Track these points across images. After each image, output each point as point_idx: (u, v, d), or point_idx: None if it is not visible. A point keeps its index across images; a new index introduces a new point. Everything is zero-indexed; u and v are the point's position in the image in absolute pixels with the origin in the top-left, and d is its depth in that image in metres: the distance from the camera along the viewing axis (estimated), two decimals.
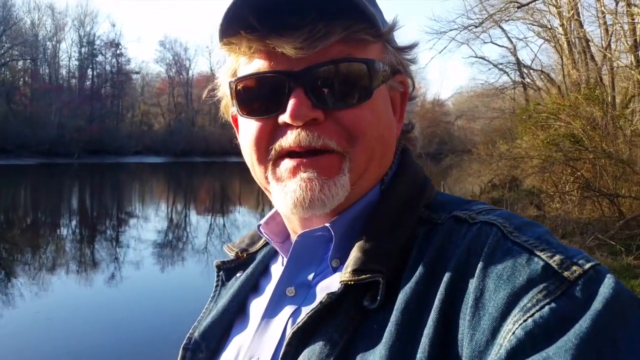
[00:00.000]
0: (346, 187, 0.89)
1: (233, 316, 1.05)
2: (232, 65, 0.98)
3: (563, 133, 14.21)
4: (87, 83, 68.68)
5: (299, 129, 0.88)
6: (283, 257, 1.04)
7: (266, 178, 0.95)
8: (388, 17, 1.00)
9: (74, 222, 18.70)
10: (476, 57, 28.42)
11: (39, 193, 27.24)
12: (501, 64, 28.28)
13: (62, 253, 13.13)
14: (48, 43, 66.73)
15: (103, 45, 69.48)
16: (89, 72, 69.07)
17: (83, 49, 68.44)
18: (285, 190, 0.90)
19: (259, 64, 0.90)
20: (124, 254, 12.85)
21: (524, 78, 27.50)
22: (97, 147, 54.02)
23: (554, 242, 0.74)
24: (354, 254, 0.85)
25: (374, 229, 0.88)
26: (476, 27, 19.37)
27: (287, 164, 0.90)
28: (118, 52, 69.29)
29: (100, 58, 69.77)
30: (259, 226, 1.10)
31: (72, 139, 52.36)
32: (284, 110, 0.88)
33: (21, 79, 65.25)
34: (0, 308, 8.41)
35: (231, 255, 1.17)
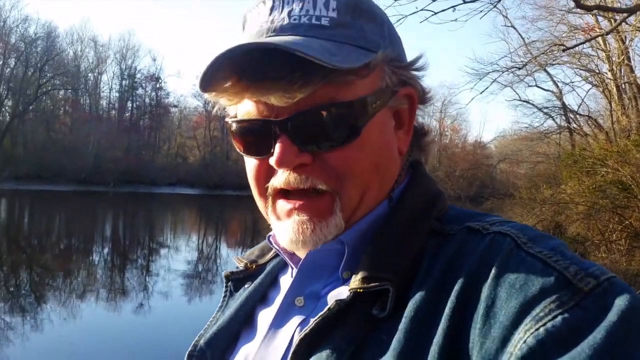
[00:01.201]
0: (339, 225, 0.92)
1: (240, 326, 1.07)
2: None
3: (610, 180, 13.90)
4: (126, 115, 70.69)
5: (288, 172, 0.91)
6: (292, 269, 1.05)
7: (267, 213, 0.99)
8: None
9: (105, 250, 19.03)
10: (520, 100, 28.29)
11: (73, 219, 27.93)
12: (546, 107, 28.03)
13: (92, 279, 13.35)
14: (90, 74, 69.20)
15: (143, 78, 71.58)
16: (129, 104, 71.12)
17: (124, 82, 70.59)
18: (282, 229, 0.94)
19: (249, 107, 0.93)
20: (153, 283, 12.99)
21: (570, 123, 27.11)
22: (132, 178, 55.22)
23: (569, 253, 0.74)
24: (364, 263, 0.86)
25: (385, 239, 0.89)
26: (519, 69, 19.28)
27: (283, 205, 0.94)
28: (158, 85, 71.24)
29: (140, 91, 71.77)
30: (269, 237, 1.10)
31: (108, 168, 53.65)
32: (272, 154, 0.90)
33: (62, 108, 67.60)
34: (27, 330, 8.56)
35: (240, 266, 1.19)
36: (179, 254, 18.32)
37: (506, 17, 19.95)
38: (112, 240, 21.39)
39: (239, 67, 0.87)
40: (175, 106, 73.95)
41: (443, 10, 9.89)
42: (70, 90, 66.19)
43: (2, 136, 55.30)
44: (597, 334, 0.60)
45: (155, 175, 57.84)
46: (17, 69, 59.97)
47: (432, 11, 9.76)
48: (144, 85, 71.55)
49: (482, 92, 16.53)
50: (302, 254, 0.99)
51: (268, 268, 1.15)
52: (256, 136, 0.93)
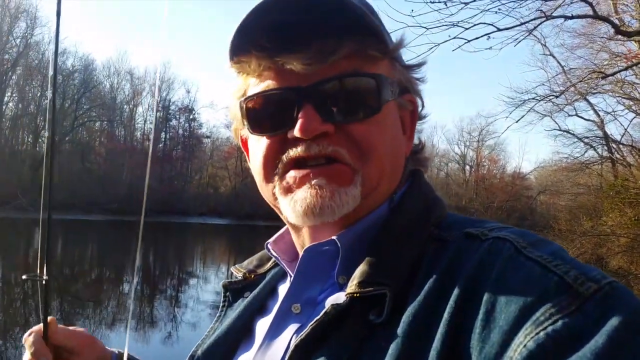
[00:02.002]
0: (357, 198, 0.90)
1: (238, 336, 1.06)
2: (241, 86, 1.01)
3: None
4: (160, 145, 72.38)
5: (308, 141, 0.89)
6: (290, 277, 1.05)
7: (273, 195, 0.97)
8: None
9: (136, 279, 19.18)
10: (560, 130, 27.82)
11: (105, 248, 28.31)
12: (587, 137, 27.47)
13: (122, 309, 13.45)
14: (125, 106, 70.86)
15: (177, 110, 73.10)
16: (162, 135, 72.87)
17: (158, 113, 72.43)
18: (295, 199, 0.91)
19: (268, 82, 0.93)
20: (181, 314, 13.05)
21: (612, 153, 26.49)
22: (164, 207, 56.02)
23: (569, 258, 0.74)
24: (361, 267, 0.86)
25: (382, 244, 0.89)
26: (557, 97, 18.97)
27: (296, 174, 0.92)
28: (191, 117, 72.53)
29: (173, 122, 73.21)
30: (267, 245, 1.11)
31: (141, 198, 54.52)
32: (293, 126, 0.89)
33: (97, 139, 69.39)
34: None
35: (239, 275, 1.19)
36: (207, 284, 18.37)
37: (544, 45, 19.70)
38: (143, 270, 21.61)
39: (268, 32, 0.89)
40: (208, 137, 75.21)
41: (477, 38, 9.85)
42: (105, 122, 68.09)
43: (38, 166, 57.03)
44: (599, 339, 0.60)
45: (186, 204, 58.65)
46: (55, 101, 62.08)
47: (465, 39, 9.73)
48: (177, 116, 73.20)
49: (518, 120, 16.22)
50: (306, 240, 0.99)
51: (267, 278, 1.15)
52: (277, 107, 0.93)
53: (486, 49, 10.29)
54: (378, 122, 0.92)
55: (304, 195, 0.89)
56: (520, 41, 10.53)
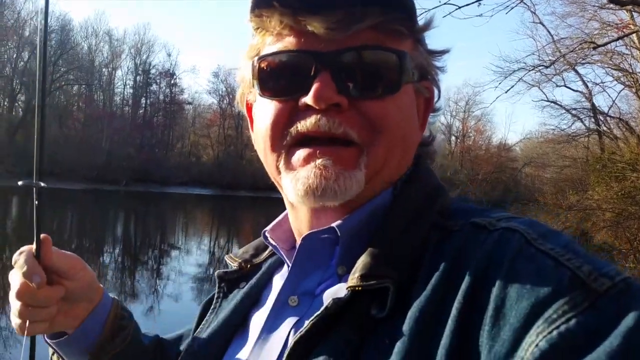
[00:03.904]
0: (361, 182, 0.88)
1: (233, 329, 1.04)
2: (256, 45, 0.98)
3: None
4: (140, 111, 71.28)
5: (320, 114, 0.87)
6: (288, 267, 1.03)
7: (277, 168, 0.94)
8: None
9: (116, 251, 19.22)
10: (547, 100, 27.81)
11: (84, 219, 28.22)
12: (575, 109, 27.53)
13: (102, 281, 13.46)
14: (104, 69, 69.56)
15: (158, 74, 71.88)
16: (143, 100, 71.74)
17: (138, 77, 70.92)
18: (298, 177, 0.89)
19: (286, 43, 0.91)
20: (163, 286, 13.10)
21: (599, 125, 26.63)
22: (144, 176, 55.62)
23: (581, 251, 0.72)
24: (363, 258, 0.84)
25: (384, 233, 0.87)
26: (546, 67, 18.86)
27: (302, 152, 0.90)
28: (172, 81, 71.49)
29: (154, 87, 72.05)
30: (264, 233, 1.09)
31: (120, 166, 54.15)
32: (306, 92, 0.87)
33: (75, 104, 68.14)
34: None
35: (234, 265, 1.16)
36: (189, 256, 18.45)
37: (534, 12, 19.55)
38: (123, 242, 21.61)
39: None
40: (190, 103, 74.35)
41: (468, 5, 9.78)
42: (84, 86, 66.82)
43: (15, 131, 56.17)
44: (614, 340, 0.59)
45: (167, 173, 58.24)
46: (30, 63, 60.76)
47: (456, 5, 9.67)
48: (158, 81, 72.00)
49: (507, 91, 16.24)
50: (305, 226, 0.97)
51: (263, 268, 1.13)
52: (292, 70, 0.90)
53: (477, 15, 10.34)
54: (395, 102, 0.90)
55: (307, 174, 0.87)
56: (512, 8, 10.53)
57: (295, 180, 0.89)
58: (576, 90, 27.34)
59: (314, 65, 0.88)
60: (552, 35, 20.07)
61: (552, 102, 27.81)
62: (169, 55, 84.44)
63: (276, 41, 0.92)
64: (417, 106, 0.99)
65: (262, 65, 0.93)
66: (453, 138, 75.47)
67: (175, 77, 72.25)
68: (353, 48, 0.87)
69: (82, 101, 67.77)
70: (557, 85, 26.05)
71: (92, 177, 50.24)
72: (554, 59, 18.68)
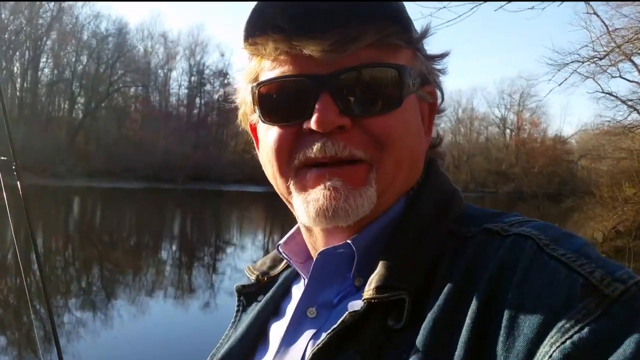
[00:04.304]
0: (372, 199, 0.89)
1: (253, 342, 1.04)
2: (254, 69, 0.97)
3: None
4: (195, 111, 72.97)
5: (324, 138, 0.87)
6: (304, 279, 1.03)
7: (288, 188, 0.95)
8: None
9: (173, 247, 19.75)
10: (603, 92, 26.85)
11: (143, 217, 29.24)
12: (631, 100, 26.41)
13: (161, 277, 13.89)
14: (159, 71, 71.88)
15: (212, 74, 73.57)
16: (197, 100, 73.37)
17: (193, 78, 72.79)
18: (308, 200, 0.89)
19: (283, 68, 0.91)
20: (219, 282, 13.40)
21: None
22: (200, 174, 56.84)
23: (594, 255, 0.72)
24: (378, 270, 0.84)
25: (399, 244, 0.87)
26: (601, 59, 18.24)
27: (311, 173, 0.90)
28: (226, 81, 72.51)
29: (208, 87, 73.77)
30: (278, 246, 1.09)
31: (177, 165, 55.49)
32: (309, 117, 0.87)
33: (132, 105, 70.45)
34: (98, 325, 9.07)
35: (252, 278, 1.17)
36: (244, 252, 18.78)
37: (588, 2, 18.90)
38: (180, 239, 22.17)
39: (287, 14, 0.86)
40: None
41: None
42: (140, 87, 68.99)
43: (75, 133, 58.47)
44: (627, 347, 0.58)
45: (222, 171, 59.47)
46: (89, 66, 63.08)
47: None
48: (212, 81, 73.55)
49: (561, 84, 15.86)
50: (319, 243, 0.98)
51: (280, 280, 1.13)
52: (292, 95, 0.90)
53: (528, 8, 10.19)
54: (398, 116, 0.90)
55: (318, 196, 0.88)
56: (564, 0, 10.31)
57: (305, 203, 0.90)
58: (632, 81, 26.17)
59: (314, 88, 0.87)
60: (606, 26, 19.13)
61: (607, 93, 26.64)
62: (222, 55, 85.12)
63: (274, 66, 0.92)
64: (422, 112, 1.00)
65: (262, 91, 0.93)
66: (508, 131, 74.33)
67: (228, 76, 73.20)
68: (352, 68, 0.87)
69: (139, 102, 70.08)
70: (612, 77, 24.96)
71: (150, 176, 51.79)
72: (608, 49, 18.08)
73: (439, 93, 1.05)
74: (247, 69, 0.99)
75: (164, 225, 25.81)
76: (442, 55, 1.03)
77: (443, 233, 0.87)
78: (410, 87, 0.92)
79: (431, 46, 1.02)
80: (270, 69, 0.92)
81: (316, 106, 0.86)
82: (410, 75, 0.92)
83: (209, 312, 10.45)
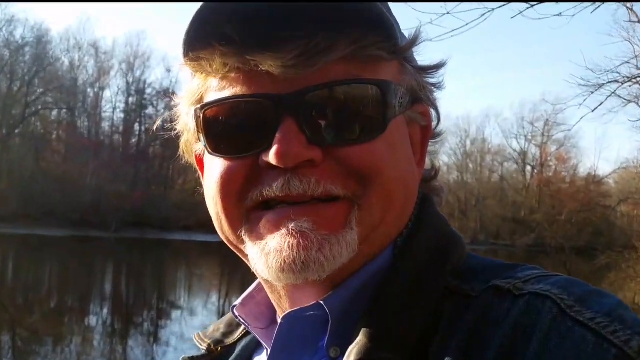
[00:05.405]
0: (353, 245, 0.86)
1: None
2: (197, 89, 0.96)
3: None
4: (133, 140, 71.65)
5: (287, 174, 0.84)
6: (267, 348, 1.01)
7: (238, 236, 0.93)
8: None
9: (104, 311, 19.57)
10: None
11: (67, 272, 28.76)
12: None
13: (89, 348, 13.78)
14: (89, 90, 70.51)
15: (155, 94, 72.16)
16: (136, 126, 72.02)
17: (130, 99, 71.65)
18: (267, 249, 0.86)
19: (235, 88, 0.88)
20: (162, 355, 13.41)
21: None
22: (139, 219, 55.67)
23: (629, 318, 0.71)
24: (359, 339, 0.82)
25: (385, 305, 0.85)
26: None
27: (270, 216, 0.87)
28: (173, 103, 71.51)
29: (150, 110, 72.25)
30: (233, 308, 1.06)
31: (110, 207, 54.57)
32: (267, 148, 0.84)
33: (54, 132, 69.09)
34: None
35: (202, 348, 1.14)
36: (194, 318, 18.71)
37: (631, 9, 18.47)
38: (113, 300, 21.96)
39: (238, 21, 0.84)
40: None
41: (542, 1, 9.19)
42: (64, 110, 67.60)
43: None
44: None
45: (167, 215, 58.33)
46: (0, 83, 61.91)
47: (528, 3, 9.10)
48: (155, 103, 72.37)
49: (595, 109, 15.52)
50: (285, 301, 0.97)
51: (237, 350, 1.12)
52: (246, 122, 0.88)
53: (554, 15, 9.79)
54: (382, 144, 0.88)
55: (280, 245, 0.84)
56: (599, 5, 9.73)
57: (264, 255, 0.86)
58: None
59: (274, 112, 0.85)
60: None
61: None
62: (169, 70, 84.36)
63: (223, 86, 0.90)
64: (412, 138, 0.99)
65: (208, 114, 0.91)
66: (529, 168, 73.29)
67: (176, 97, 71.96)
68: (322, 85, 0.85)
69: (62, 129, 68.70)
70: None
71: (76, 221, 50.77)
72: None
73: (433, 113, 1.04)
74: (190, 89, 0.98)
75: (93, 283, 25.51)
76: (437, 67, 1.02)
77: (440, 289, 0.86)
78: (396, 108, 0.90)
79: (430, 56, 1.03)
80: (219, 89, 0.91)
81: (277, 135, 0.83)
82: (396, 93, 0.90)
83: None
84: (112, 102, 71.97)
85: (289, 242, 0.83)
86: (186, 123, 1.03)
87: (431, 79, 1.02)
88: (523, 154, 72.88)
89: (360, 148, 0.86)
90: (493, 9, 9.23)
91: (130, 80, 71.78)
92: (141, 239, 48.59)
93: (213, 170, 0.93)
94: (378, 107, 0.87)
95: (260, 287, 1.06)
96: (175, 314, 19.81)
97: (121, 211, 55.47)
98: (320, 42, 0.82)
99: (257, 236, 0.88)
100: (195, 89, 0.96)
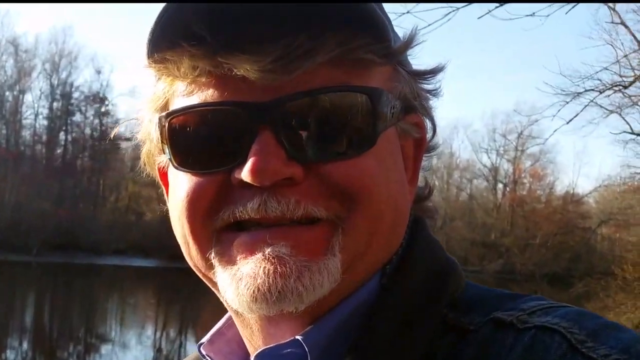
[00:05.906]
0: (335, 274, 0.85)
1: None
2: (162, 93, 0.95)
3: None
4: (59, 151, 70.51)
5: (264, 194, 0.83)
6: None
7: (206, 261, 0.92)
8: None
9: (24, 345, 19.20)
10: (632, 132, 27.43)
11: None
12: None
13: None
14: (7, 93, 69.02)
15: (83, 99, 71.15)
16: (62, 135, 70.90)
17: (55, 104, 70.54)
18: (239, 275, 0.85)
19: (205, 93, 0.87)
20: None
21: None
22: (64, 241, 54.91)
23: None
24: None
25: (371, 343, 0.85)
26: (625, 87, 17.35)
27: (243, 237, 0.87)
28: (103, 109, 70.49)
29: (78, 117, 71.54)
30: (200, 346, 1.05)
31: (31, 227, 53.65)
32: (241, 163, 0.84)
33: None
34: None
35: None
36: (126, 353, 18.54)
37: (614, 9, 17.01)
38: (34, 332, 21.60)
39: (209, 18, 0.83)
40: (129, 139, 72.52)
41: (511, 0, 9.07)
42: None
43: None
44: None
45: (97, 237, 57.38)
46: None
47: (497, 2, 9.04)
48: (83, 108, 71.38)
49: (569, 121, 15.30)
50: (257, 337, 0.95)
51: None
52: (217, 132, 0.87)
53: (527, 15, 9.87)
54: (371, 159, 0.88)
55: (254, 270, 0.83)
56: (574, 5, 9.73)
57: (236, 281, 0.86)
58: None
59: (249, 122, 0.84)
60: (638, 41, 17.83)
61: (638, 134, 27.58)
62: (99, 72, 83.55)
63: (191, 90, 0.89)
64: (404, 152, 0.99)
65: (174, 123, 0.90)
66: (500, 186, 73.62)
67: (107, 102, 71.05)
68: (303, 93, 0.84)
69: None
70: None
71: None
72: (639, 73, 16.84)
73: (428, 124, 1.04)
74: (154, 94, 0.97)
75: (11, 314, 25.07)
76: (434, 71, 1.02)
77: (435, 323, 0.87)
78: (387, 118, 0.90)
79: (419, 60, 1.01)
80: (186, 94, 0.90)
81: (252, 148, 0.83)
82: (387, 102, 0.90)
83: None
84: (34, 107, 71.09)
85: (264, 267, 0.82)
86: (149, 132, 1.01)
87: (427, 85, 1.02)
88: (494, 169, 73.44)
89: (346, 164, 0.86)
90: (457, 9, 9.36)
91: (55, 82, 70.95)
92: (67, 263, 47.87)
93: (178, 186, 0.91)
94: (367, 118, 0.87)
95: (230, 323, 1.05)
96: (106, 348, 19.57)
97: (44, 232, 54.58)
98: (303, 43, 0.81)
99: (228, 260, 0.87)
100: (159, 94, 0.95)
